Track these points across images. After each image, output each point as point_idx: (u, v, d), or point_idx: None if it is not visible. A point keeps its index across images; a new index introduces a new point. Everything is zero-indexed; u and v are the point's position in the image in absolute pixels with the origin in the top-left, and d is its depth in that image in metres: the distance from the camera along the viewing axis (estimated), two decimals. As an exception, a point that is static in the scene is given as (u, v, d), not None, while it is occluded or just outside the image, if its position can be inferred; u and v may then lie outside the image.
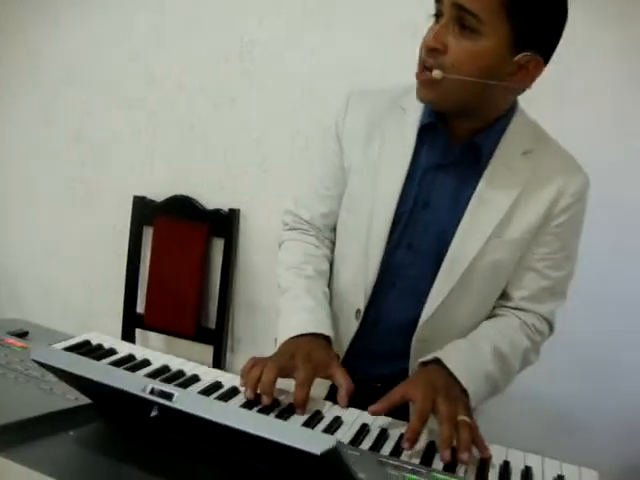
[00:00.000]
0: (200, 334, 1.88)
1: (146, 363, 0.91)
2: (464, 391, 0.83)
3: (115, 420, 0.65)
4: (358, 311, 1.02)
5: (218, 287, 1.87)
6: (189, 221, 1.88)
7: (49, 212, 2.08)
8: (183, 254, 1.89)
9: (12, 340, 0.89)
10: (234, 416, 0.49)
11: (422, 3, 0.89)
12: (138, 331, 1.97)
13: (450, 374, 0.84)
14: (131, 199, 1.93)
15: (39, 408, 0.64)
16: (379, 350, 1.04)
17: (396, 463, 0.67)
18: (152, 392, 0.53)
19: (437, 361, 0.87)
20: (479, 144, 0.92)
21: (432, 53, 0.83)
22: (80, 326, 2.00)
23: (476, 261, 0.93)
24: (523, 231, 0.94)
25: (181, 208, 1.89)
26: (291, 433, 0.47)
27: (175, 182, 1.90)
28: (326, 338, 0.94)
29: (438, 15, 0.84)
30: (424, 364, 0.89)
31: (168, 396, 0.52)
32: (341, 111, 1.04)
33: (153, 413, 0.54)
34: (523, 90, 0.91)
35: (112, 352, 0.94)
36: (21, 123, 2.04)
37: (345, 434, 0.77)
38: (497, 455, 0.76)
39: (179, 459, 0.59)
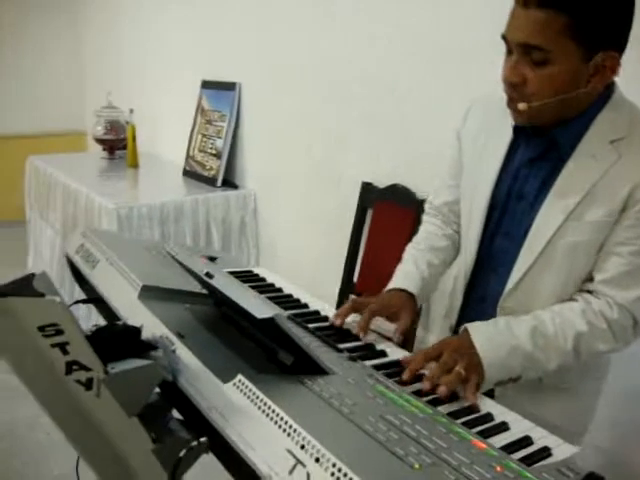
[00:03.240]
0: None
1: (278, 290, 1.29)
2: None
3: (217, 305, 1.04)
4: (463, 288, 1.22)
5: (418, 268, 2.15)
6: (401, 206, 2.19)
7: (299, 189, 2.64)
8: (393, 235, 2.21)
9: (203, 260, 1.35)
10: (230, 289, 0.82)
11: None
12: (352, 297, 2.37)
13: (471, 341, 1.00)
14: (360, 184, 2.34)
15: (175, 286, 1.06)
16: None
17: (379, 378, 0.89)
18: (206, 274, 0.89)
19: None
20: (556, 137, 1.03)
21: (513, 87, 0.98)
22: (303, 279, 2.51)
23: (554, 241, 1.03)
24: (603, 214, 0.99)
25: (396, 195, 2.21)
26: (253, 304, 0.78)
27: (395, 172, 2.23)
28: (411, 295, 1.18)
29: (510, 50, 0.98)
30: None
31: (211, 276, 0.87)
32: (463, 117, 1.25)
33: (204, 290, 0.90)
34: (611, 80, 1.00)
35: (261, 279, 1.35)
36: (287, 115, 2.63)
37: (374, 362, 1.00)
38: (496, 412, 0.90)
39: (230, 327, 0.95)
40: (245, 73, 2.82)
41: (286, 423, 0.66)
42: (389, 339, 1.11)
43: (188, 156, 3.08)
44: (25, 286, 0.75)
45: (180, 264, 0.97)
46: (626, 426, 1.61)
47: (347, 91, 2.35)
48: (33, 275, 0.79)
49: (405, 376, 0.93)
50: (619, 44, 0.94)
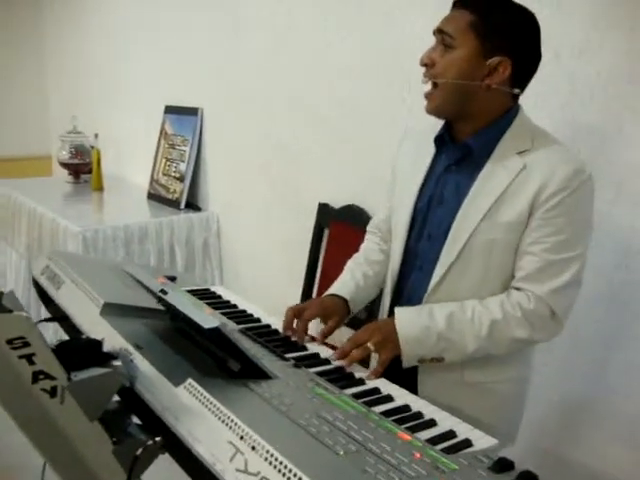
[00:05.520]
0: (352, 322, 2.29)
1: (233, 307, 1.39)
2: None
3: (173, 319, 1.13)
4: (391, 289, 1.35)
5: (372, 285, 2.26)
6: (355, 226, 2.30)
7: (260, 211, 2.74)
8: (348, 253, 2.30)
9: (162, 279, 1.44)
10: (182, 304, 0.91)
11: None
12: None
13: (394, 321, 1.17)
14: (317, 205, 2.45)
15: (135, 303, 1.15)
16: None
17: (320, 382, 0.99)
18: (161, 290, 0.98)
19: None
20: (470, 144, 1.20)
21: (425, 67, 1.19)
22: (265, 298, 2.61)
23: (471, 240, 1.17)
24: (513, 215, 1.15)
25: (351, 215, 2.33)
26: (201, 316, 0.88)
27: (351, 193, 2.35)
28: (345, 301, 1.35)
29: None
30: None
31: (165, 292, 0.97)
32: (399, 145, 1.42)
33: (162, 307, 0.99)
34: (514, 96, 1.19)
35: (217, 297, 1.44)
36: (248, 139, 2.75)
37: (318, 369, 1.11)
38: (426, 411, 1.01)
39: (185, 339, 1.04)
40: (207, 98, 2.92)
41: (228, 418, 0.76)
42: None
43: (152, 179, 3.16)
44: (-7, 304, 0.84)
45: (138, 282, 1.06)
46: (570, 429, 1.74)
47: (305, 116, 2.47)
48: (1, 293, 0.87)
49: (335, 356, 1.14)
50: (515, 54, 1.13)
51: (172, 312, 1.05)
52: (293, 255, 2.61)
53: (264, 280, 2.78)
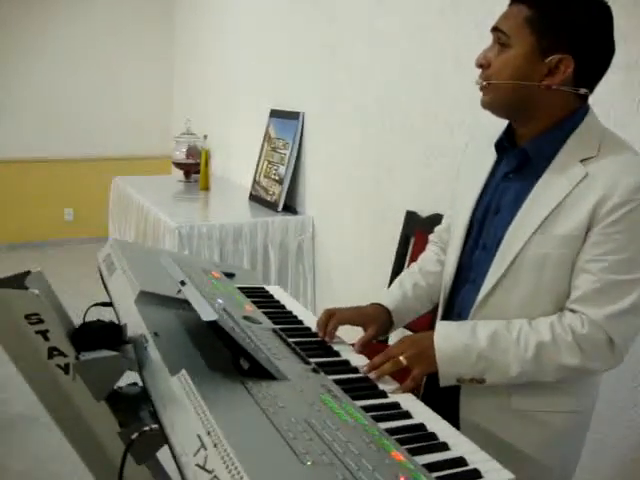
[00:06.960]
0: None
1: (280, 307, 1.39)
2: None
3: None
4: (444, 302, 1.28)
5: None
6: (441, 237, 2.22)
7: (352, 216, 2.73)
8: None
9: (217, 274, 1.47)
10: (194, 297, 0.93)
11: None
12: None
13: (432, 336, 1.10)
14: (404, 213, 2.40)
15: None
16: None
17: (332, 389, 0.95)
18: (180, 282, 1.01)
19: None
20: (526, 149, 1.11)
21: (481, 68, 1.11)
22: (353, 304, 2.59)
23: (523, 253, 1.08)
24: (570, 228, 1.04)
25: (436, 224, 2.24)
26: (204, 309, 0.88)
27: (438, 201, 2.27)
28: (387, 310, 1.30)
29: None
30: None
31: (183, 284, 0.99)
32: (463, 152, 1.35)
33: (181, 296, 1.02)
34: (582, 97, 1.08)
35: (268, 296, 1.45)
36: (343, 144, 2.75)
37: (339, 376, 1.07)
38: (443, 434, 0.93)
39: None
40: (308, 103, 2.98)
41: (203, 412, 0.76)
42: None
43: (254, 181, 3.27)
44: (17, 281, 0.90)
45: (168, 273, 1.10)
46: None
47: (397, 123, 2.44)
48: (28, 272, 0.94)
49: (366, 370, 1.09)
50: (577, 51, 1.03)
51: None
52: (380, 263, 2.57)
53: (352, 286, 2.77)
